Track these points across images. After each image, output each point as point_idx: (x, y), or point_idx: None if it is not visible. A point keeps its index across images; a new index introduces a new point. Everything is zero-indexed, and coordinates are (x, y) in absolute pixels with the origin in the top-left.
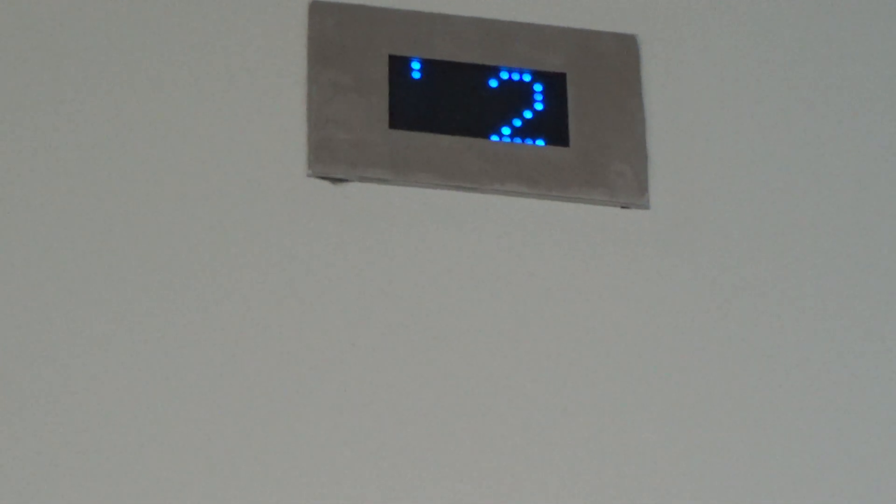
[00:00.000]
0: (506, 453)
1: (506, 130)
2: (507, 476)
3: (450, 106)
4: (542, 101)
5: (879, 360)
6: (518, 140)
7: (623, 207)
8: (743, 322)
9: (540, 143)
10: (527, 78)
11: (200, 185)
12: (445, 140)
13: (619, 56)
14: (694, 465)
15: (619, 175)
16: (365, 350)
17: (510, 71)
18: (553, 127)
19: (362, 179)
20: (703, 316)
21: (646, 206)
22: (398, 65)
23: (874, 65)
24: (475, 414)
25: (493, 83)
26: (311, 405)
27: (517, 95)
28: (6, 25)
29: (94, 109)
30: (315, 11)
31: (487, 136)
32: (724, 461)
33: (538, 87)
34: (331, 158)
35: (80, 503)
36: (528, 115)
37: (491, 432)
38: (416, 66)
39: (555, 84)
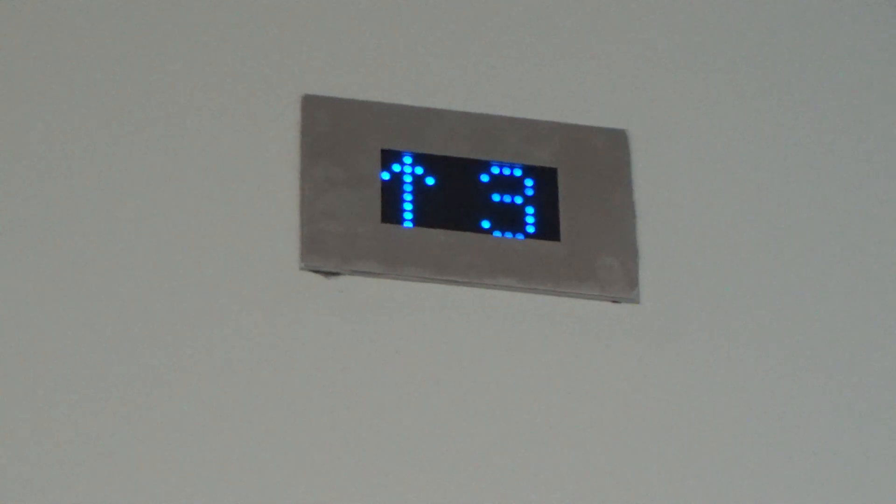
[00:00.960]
0: None
1: (497, 225)
2: None
3: (441, 200)
4: (533, 196)
5: (878, 448)
6: (509, 234)
7: (613, 302)
8: (733, 418)
9: (531, 237)
10: (517, 173)
11: (193, 277)
12: (436, 234)
13: (608, 151)
14: None
15: (609, 269)
16: (357, 442)
17: (501, 165)
18: (544, 221)
19: (354, 273)
20: (694, 412)
21: (636, 301)
22: (391, 159)
23: (866, 151)
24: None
25: (485, 178)
26: (303, 494)
27: (508, 190)
28: None
29: (91, 204)
30: (308, 105)
31: (478, 230)
32: None
33: (529, 182)
34: (323, 251)
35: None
36: (518, 209)
37: None
38: (407, 160)
39: (545, 178)
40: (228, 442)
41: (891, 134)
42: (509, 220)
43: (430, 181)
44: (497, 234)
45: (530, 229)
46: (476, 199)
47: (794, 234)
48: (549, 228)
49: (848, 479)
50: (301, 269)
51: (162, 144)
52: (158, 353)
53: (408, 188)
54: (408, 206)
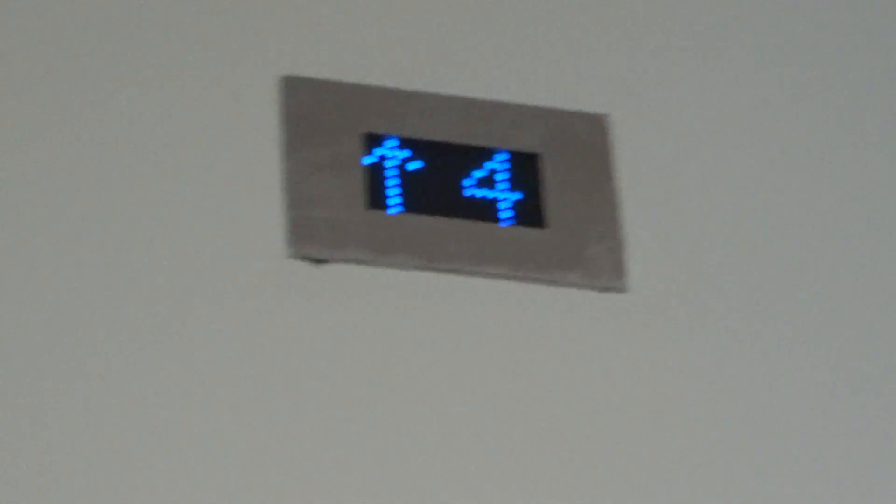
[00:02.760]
0: None
1: (482, 211)
2: None
3: (426, 185)
4: (519, 183)
5: (870, 443)
6: (494, 221)
7: (601, 291)
8: (722, 405)
9: (517, 224)
10: (501, 158)
11: (179, 266)
12: (423, 220)
13: (591, 136)
14: None
15: (597, 258)
16: (344, 428)
17: (485, 151)
18: (529, 208)
19: (342, 260)
20: (684, 399)
21: (623, 290)
22: (373, 143)
23: (851, 132)
24: (451, 494)
25: (468, 163)
26: (289, 488)
27: (492, 176)
28: None
29: (75, 199)
30: (287, 86)
31: (463, 217)
32: None
33: (513, 168)
34: (310, 239)
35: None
36: (504, 196)
37: None
38: (391, 143)
39: (530, 165)
40: (215, 430)
41: (877, 110)
42: (494, 206)
43: (413, 166)
44: (483, 221)
45: (516, 216)
46: (460, 184)
47: (781, 217)
48: (534, 216)
49: (840, 464)
50: (288, 256)
51: (141, 131)
52: (145, 343)
53: (392, 173)
54: (392, 192)
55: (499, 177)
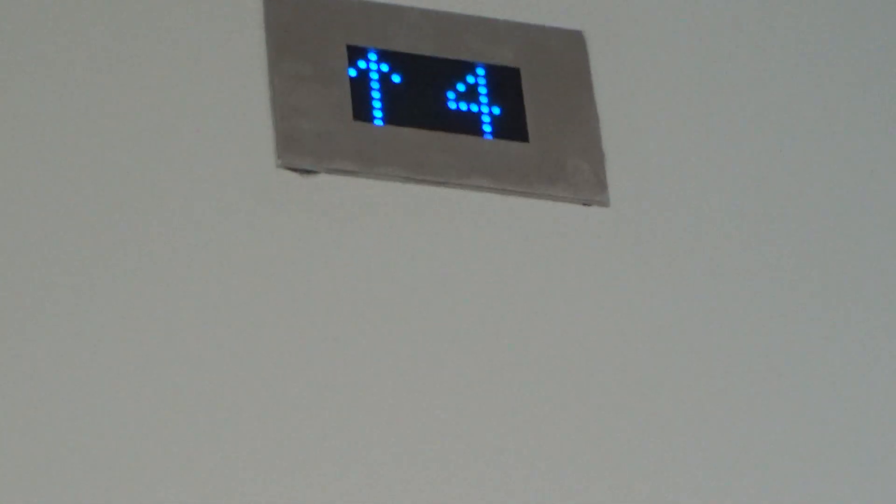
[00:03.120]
0: (466, 449)
1: (464, 125)
2: (465, 471)
3: (408, 98)
4: (501, 98)
5: (851, 358)
6: (478, 135)
7: (584, 204)
8: (705, 319)
9: (499, 137)
10: (481, 72)
11: (172, 177)
12: (408, 133)
13: (567, 52)
14: (661, 463)
15: (579, 171)
16: (333, 340)
17: (465, 65)
18: (511, 122)
19: (329, 171)
20: (665, 317)
21: (606, 204)
22: (356, 55)
23: (832, 54)
24: (436, 404)
25: (449, 77)
26: (278, 398)
27: (474, 90)
28: None
29: (60, 111)
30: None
31: (447, 129)
32: (689, 457)
33: (495, 84)
34: (299, 149)
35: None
36: (486, 110)
37: (450, 424)
38: (373, 56)
39: (510, 79)
40: (203, 348)
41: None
42: (476, 120)
43: (395, 79)
44: (467, 135)
45: (498, 130)
46: (442, 98)
47: (759, 129)
48: (516, 130)
49: (828, 385)
50: (277, 166)
51: (129, 49)
52: (136, 258)
53: (375, 86)
54: (377, 105)
55: (480, 91)
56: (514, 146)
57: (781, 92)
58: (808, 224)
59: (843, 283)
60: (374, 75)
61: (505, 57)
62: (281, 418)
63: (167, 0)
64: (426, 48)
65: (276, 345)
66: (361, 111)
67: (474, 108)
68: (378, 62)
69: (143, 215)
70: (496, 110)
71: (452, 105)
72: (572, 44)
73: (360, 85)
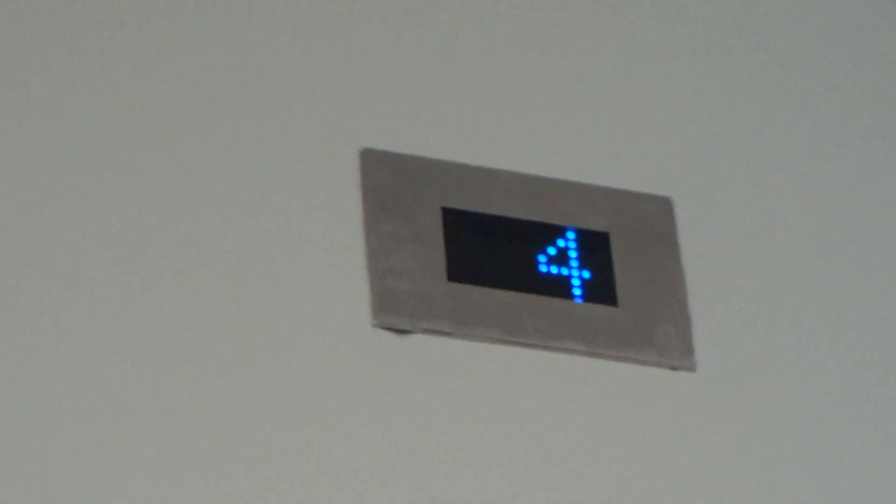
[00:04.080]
0: None
1: (555, 288)
2: None
3: (504, 261)
4: (590, 262)
5: None
6: (569, 298)
7: (671, 369)
8: (789, 486)
9: (589, 301)
10: (571, 236)
11: (268, 334)
12: (501, 295)
13: (656, 217)
14: None
15: (667, 336)
16: (428, 499)
17: (556, 229)
18: (600, 286)
19: (424, 331)
20: (751, 479)
21: (693, 369)
22: (451, 217)
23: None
24: None
25: (542, 242)
26: None
27: (565, 254)
28: None
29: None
30: (367, 159)
31: (538, 292)
32: None
33: (584, 247)
34: (394, 309)
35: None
36: (576, 273)
37: None
38: (469, 219)
39: (599, 244)
40: (301, 499)
41: None
42: (567, 284)
43: (489, 242)
44: (560, 298)
45: (588, 294)
46: (534, 260)
47: (845, 295)
48: (606, 294)
49: None
50: (374, 326)
51: (229, 207)
52: (237, 413)
53: (471, 247)
54: (473, 266)
55: (571, 255)
56: (604, 310)
57: (877, 252)
58: None
59: None
60: (471, 237)
61: (595, 222)
62: None
63: (267, 161)
64: (519, 211)
65: (367, 499)
66: (455, 273)
67: (565, 271)
68: (474, 225)
69: (245, 373)
70: (586, 274)
71: (543, 268)
72: (661, 210)
73: (454, 247)
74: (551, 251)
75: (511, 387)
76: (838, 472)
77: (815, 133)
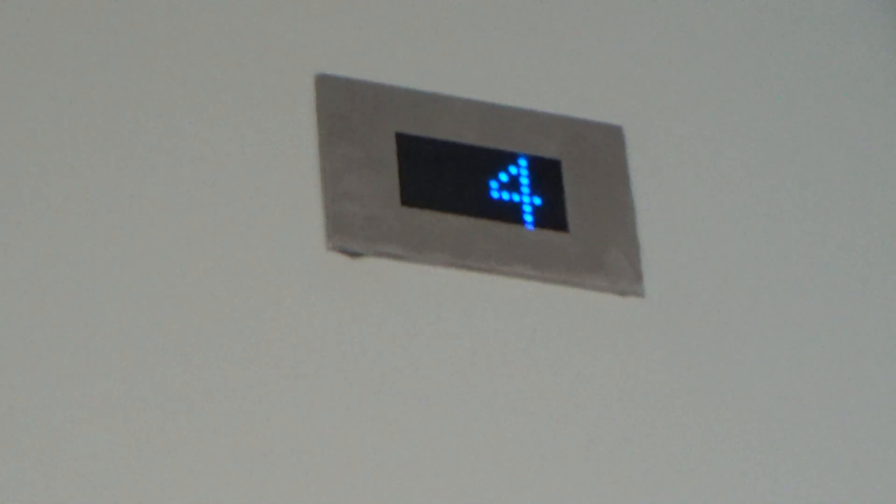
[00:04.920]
0: None
1: (506, 213)
2: None
3: (457, 187)
4: (542, 188)
5: (879, 439)
6: (520, 224)
7: (620, 295)
8: (737, 410)
9: (541, 227)
10: (523, 162)
11: (221, 260)
12: (452, 219)
13: (607, 146)
14: None
15: (617, 262)
16: (375, 420)
17: (510, 156)
18: (552, 212)
19: (377, 254)
20: (698, 406)
21: (641, 294)
22: (405, 142)
23: (862, 140)
24: (468, 486)
25: (493, 167)
26: (313, 478)
27: (516, 179)
28: None
29: (114, 194)
30: (322, 85)
31: (489, 217)
32: None
33: (537, 174)
34: (348, 233)
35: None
36: (527, 199)
37: None
38: (423, 145)
39: (551, 171)
40: (249, 421)
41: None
42: (518, 210)
43: (441, 166)
44: (509, 223)
45: (539, 220)
46: (486, 187)
47: (793, 220)
48: (556, 220)
49: (854, 476)
50: (328, 249)
51: (181, 132)
52: (186, 337)
53: (424, 172)
54: (426, 191)
55: (523, 181)
56: (554, 236)
57: (822, 183)
58: (848, 318)
59: (875, 377)
60: (424, 162)
61: (547, 149)
62: (321, 497)
63: (220, 84)
64: (470, 138)
65: (319, 424)
66: (409, 197)
67: (516, 197)
68: (427, 149)
69: (192, 296)
70: (537, 200)
71: (495, 194)
72: (612, 138)
73: (407, 171)
74: (503, 177)
75: (462, 310)
76: (782, 396)
77: (766, 63)
